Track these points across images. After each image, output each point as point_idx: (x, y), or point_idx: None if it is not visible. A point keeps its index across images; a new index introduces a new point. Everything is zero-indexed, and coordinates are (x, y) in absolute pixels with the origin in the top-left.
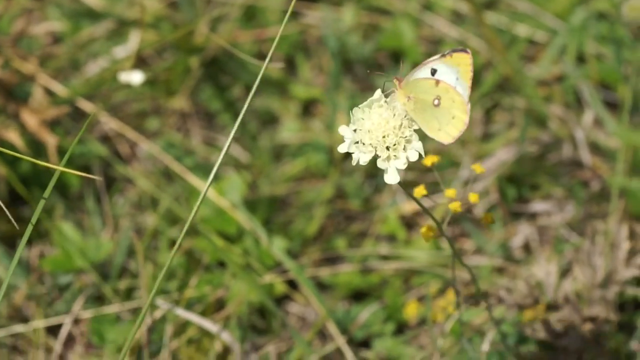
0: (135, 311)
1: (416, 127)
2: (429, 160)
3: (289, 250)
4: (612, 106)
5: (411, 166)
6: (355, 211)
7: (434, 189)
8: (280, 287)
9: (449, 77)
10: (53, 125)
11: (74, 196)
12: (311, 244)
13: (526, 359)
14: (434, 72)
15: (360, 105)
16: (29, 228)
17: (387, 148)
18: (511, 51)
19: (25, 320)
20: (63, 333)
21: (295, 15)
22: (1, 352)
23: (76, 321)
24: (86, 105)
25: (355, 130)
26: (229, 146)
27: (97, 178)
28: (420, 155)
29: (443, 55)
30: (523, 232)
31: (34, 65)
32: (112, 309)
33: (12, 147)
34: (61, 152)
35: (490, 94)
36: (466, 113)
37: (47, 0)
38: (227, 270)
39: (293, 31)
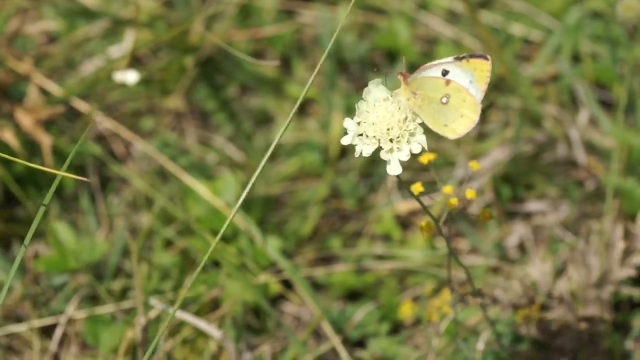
0: (130, 311)
1: (420, 121)
2: (425, 158)
3: (283, 250)
4: (607, 105)
5: (406, 165)
6: (350, 211)
7: (429, 188)
8: (275, 287)
9: (462, 80)
10: (48, 124)
11: (69, 196)
12: (306, 243)
13: (521, 359)
14: (445, 72)
15: (364, 92)
16: (30, 232)
17: (391, 140)
18: (506, 50)
19: (20, 320)
20: (58, 333)
21: (290, 14)
22: None
23: (71, 321)
24: (81, 105)
25: (359, 123)
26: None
27: (88, 180)
28: (423, 148)
29: (458, 59)
30: (518, 231)
31: (29, 64)
32: (106, 309)
33: (6, 147)
34: (56, 151)
35: (485, 93)
36: (476, 113)
37: (42, 0)
38: (222, 270)
39: (288, 30)
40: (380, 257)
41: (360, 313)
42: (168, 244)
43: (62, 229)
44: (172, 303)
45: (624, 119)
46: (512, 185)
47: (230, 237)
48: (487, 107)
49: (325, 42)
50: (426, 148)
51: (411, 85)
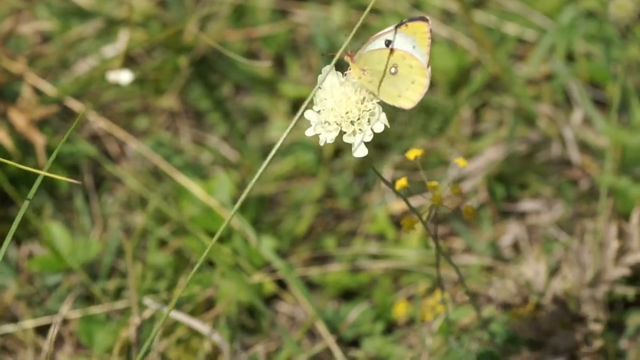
0: (124, 311)
1: (378, 100)
2: (412, 154)
3: (278, 250)
4: (601, 105)
5: (400, 165)
6: (345, 210)
7: (421, 188)
8: (270, 287)
9: (405, 47)
10: (42, 124)
11: (63, 196)
12: (300, 243)
13: (515, 359)
14: (388, 43)
15: (318, 80)
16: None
17: (352, 123)
18: (500, 50)
19: (14, 320)
20: (52, 333)
21: (284, 14)
22: None
23: (65, 321)
24: (75, 105)
25: (319, 112)
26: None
27: (78, 182)
28: (385, 126)
29: (397, 26)
30: (512, 231)
31: (23, 64)
32: (101, 309)
33: (0, 147)
34: (50, 151)
35: (479, 92)
36: (426, 77)
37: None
38: (216, 270)
39: (282, 30)
40: (375, 257)
41: (355, 313)
42: (162, 243)
43: (56, 229)
44: (166, 303)
45: (617, 118)
46: (506, 185)
47: (224, 237)
48: (481, 106)
49: (319, 42)
50: (388, 125)
51: (359, 63)
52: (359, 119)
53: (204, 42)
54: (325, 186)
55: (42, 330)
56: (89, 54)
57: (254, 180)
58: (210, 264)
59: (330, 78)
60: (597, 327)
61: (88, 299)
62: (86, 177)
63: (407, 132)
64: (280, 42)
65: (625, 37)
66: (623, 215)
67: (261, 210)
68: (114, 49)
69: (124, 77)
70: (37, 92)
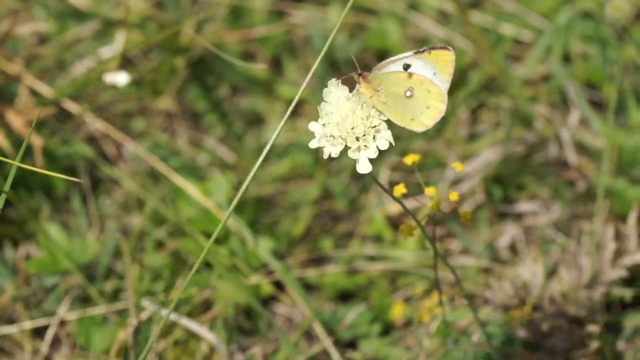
0: (122, 313)
1: (385, 118)
2: (409, 159)
3: (275, 251)
4: (598, 106)
5: (396, 167)
6: (342, 212)
7: (419, 190)
8: (267, 288)
9: (425, 72)
10: (39, 126)
11: (60, 197)
12: (297, 244)
13: None
14: (406, 67)
15: (324, 93)
16: None
17: (357, 139)
18: (497, 51)
19: (11, 321)
20: (49, 334)
21: (281, 15)
22: None
23: (62, 323)
24: (72, 106)
25: (324, 125)
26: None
27: (80, 181)
28: (390, 144)
29: (419, 52)
30: (509, 232)
31: (20, 66)
32: (98, 310)
33: None
34: (47, 153)
35: (476, 94)
36: (443, 102)
37: (32, 1)
38: (214, 271)
39: (279, 31)
40: (372, 258)
41: (352, 314)
42: (159, 245)
43: (53, 230)
44: (163, 304)
45: (614, 119)
46: (503, 186)
47: (221, 238)
48: (478, 107)
49: (316, 43)
50: (393, 143)
51: (372, 83)
52: (364, 135)
53: (200, 43)
54: (322, 187)
55: (39, 332)
56: (85, 55)
57: (248, 179)
58: (207, 265)
59: (335, 92)
60: (594, 329)
61: (85, 300)
62: (83, 179)
63: (403, 134)
64: (277, 43)
65: (622, 38)
66: (620, 217)
67: (258, 212)
68: (110, 50)
69: (120, 79)
70: (34, 93)
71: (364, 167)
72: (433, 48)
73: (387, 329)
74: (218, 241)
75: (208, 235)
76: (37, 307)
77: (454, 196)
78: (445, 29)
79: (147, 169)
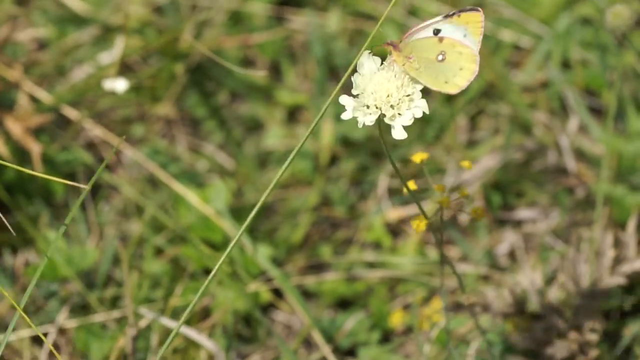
0: (121, 320)
1: (419, 86)
2: (418, 157)
3: (274, 258)
4: (597, 112)
5: (395, 175)
6: (341, 218)
7: (421, 195)
8: (266, 296)
9: (456, 35)
10: (38, 132)
11: (59, 204)
12: (296, 251)
13: None
14: (436, 32)
15: (358, 65)
16: None
17: (392, 107)
18: (496, 57)
19: None
20: (49, 342)
21: (280, 20)
22: None
23: (61, 330)
24: (71, 112)
25: (357, 96)
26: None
27: (83, 186)
28: (424, 112)
29: (448, 16)
30: (508, 239)
31: (19, 72)
32: (97, 318)
33: None
34: (46, 159)
35: (475, 100)
36: (475, 63)
37: (32, 6)
38: (213, 279)
39: (278, 36)
40: (371, 265)
41: (351, 321)
42: (158, 252)
43: (52, 237)
44: (162, 312)
45: (613, 126)
46: (503, 193)
47: (220, 245)
48: (477, 114)
49: (316, 49)
50: (427, 111)
51: (404, 51)
52: (399, 103)
53: (200, 49)
54: (321, 194)
55: (38, 340)
56: (85, 61)
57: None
58: (206, 272)
59: (368, 64)
60: (593, 337)
61: (84, 307)
62: (83, 185)
63: (403, 140)
64: (276, 48)
65: (622, 45)
66: (619, 224)
67: (257, 219)
68: (110, 56)
69: (119, 85)
70: (33, 99)
71: (399, 134)
72: (462, 10)
73: (386, 337)
74: (217, 248)
75: (207, 242)
76: (35, 315)
77: (464, 192)
78: None
79: (146, 176)
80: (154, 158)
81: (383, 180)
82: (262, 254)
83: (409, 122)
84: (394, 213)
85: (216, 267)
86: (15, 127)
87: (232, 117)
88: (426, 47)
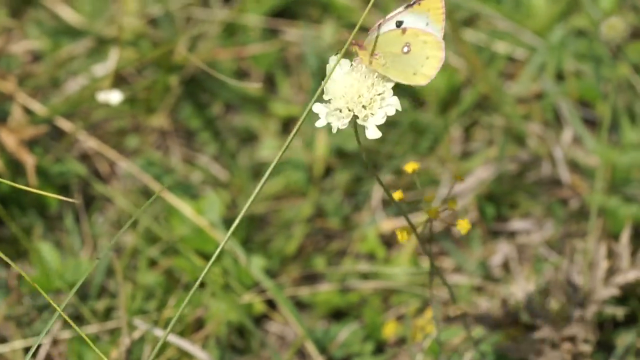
0: (114, 332)
1: (390, 84)
2: (410, 167)
3: (267, 269)
4: (591, 124)
5: (390, 185)
6: (335, 230)
7: (413, 207)
8: (259, 307)
9: (418, 24)
10: (32, 144)
11: (53, 215)
12: (290, 262)
13: None
14: (399, 24)
15: (327, 70)
16: None
17: (364, 107)
18: (490, 69)
19: (3, 340)
20: (42, 354)
21: (275, 32)
22: None
23: (55, 342)
24: (65, 124)
25: (329, 101)
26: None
27: (75, 201)
28: (396, 110)
29: (409, 6)
30: (502, 250)
31: (13, 84)
32: (90, 329)
33: None
34: (40, 171)
35: (469, 112)
36: (441, 50)
37: (26, 19)
38: (206, 290)
39: (273, 49)
40: (365, 276)
41: (345, 332)
42: (152, 263)
43: (46, 249)
44: (156, 323)
45: (607, 138)
46: (496, 204)
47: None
48: (471, 125)
49: (310, 61)
50: (399, 108)
51: (369, 48)
52: (370, 103)
53: (194, 61)
54: (315, 205)
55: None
56: (79, 73)
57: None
58: (200, 284)
59: (337, 70)
60: (586, 348)
61: (78, 319)
62: (77, 197)
63: (397, 152)
64: (270, 60)
65: (616, 57)
66: (613, 235)
67: (251, 230)
68: (104, 68)
69: (114, 97)
70: (28, 111)
71: (373, 133)
72: None
73: (380, 347)
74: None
75: (201, 254)
76: (29, 326)
77: (452, 204)
78: None
79: (140, 187)
80: (148, 170)
81: (377, 192)
82: (256, 265)
83: (382, 121)
84: (388, 224)
85: (203, 272)
86: (9, 139)
87: (226, 129)
88: (390, 41)
